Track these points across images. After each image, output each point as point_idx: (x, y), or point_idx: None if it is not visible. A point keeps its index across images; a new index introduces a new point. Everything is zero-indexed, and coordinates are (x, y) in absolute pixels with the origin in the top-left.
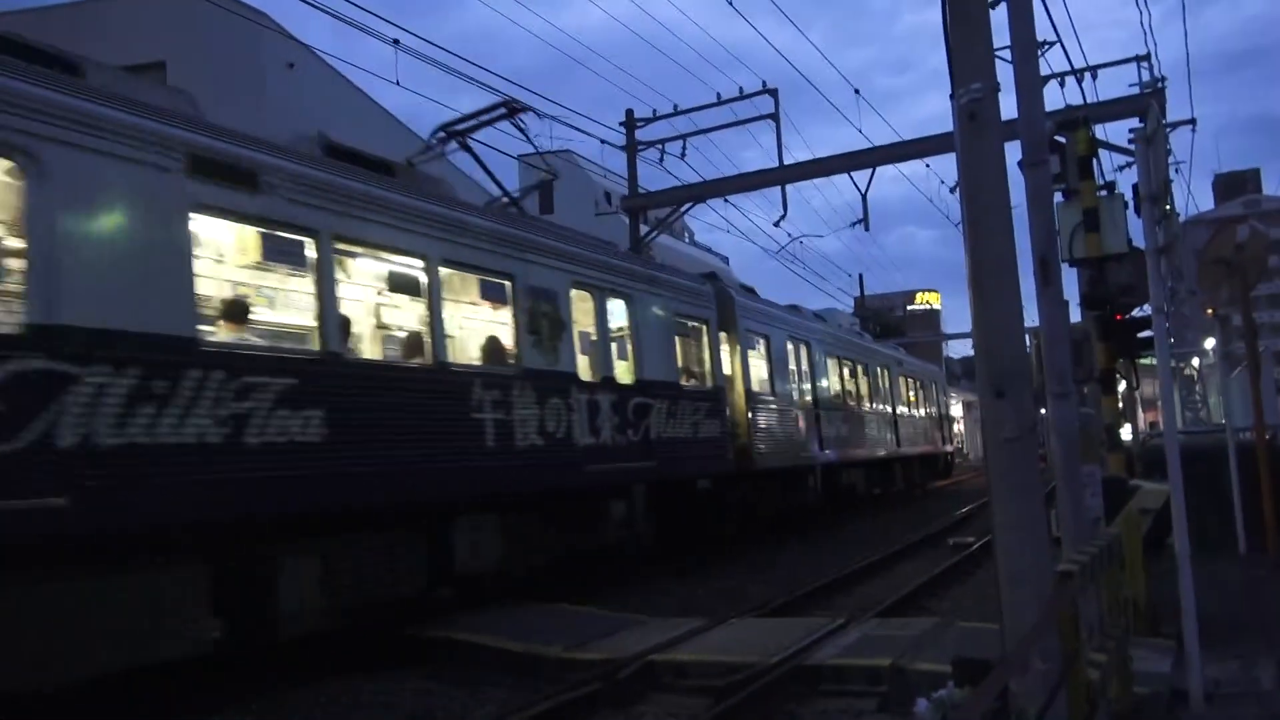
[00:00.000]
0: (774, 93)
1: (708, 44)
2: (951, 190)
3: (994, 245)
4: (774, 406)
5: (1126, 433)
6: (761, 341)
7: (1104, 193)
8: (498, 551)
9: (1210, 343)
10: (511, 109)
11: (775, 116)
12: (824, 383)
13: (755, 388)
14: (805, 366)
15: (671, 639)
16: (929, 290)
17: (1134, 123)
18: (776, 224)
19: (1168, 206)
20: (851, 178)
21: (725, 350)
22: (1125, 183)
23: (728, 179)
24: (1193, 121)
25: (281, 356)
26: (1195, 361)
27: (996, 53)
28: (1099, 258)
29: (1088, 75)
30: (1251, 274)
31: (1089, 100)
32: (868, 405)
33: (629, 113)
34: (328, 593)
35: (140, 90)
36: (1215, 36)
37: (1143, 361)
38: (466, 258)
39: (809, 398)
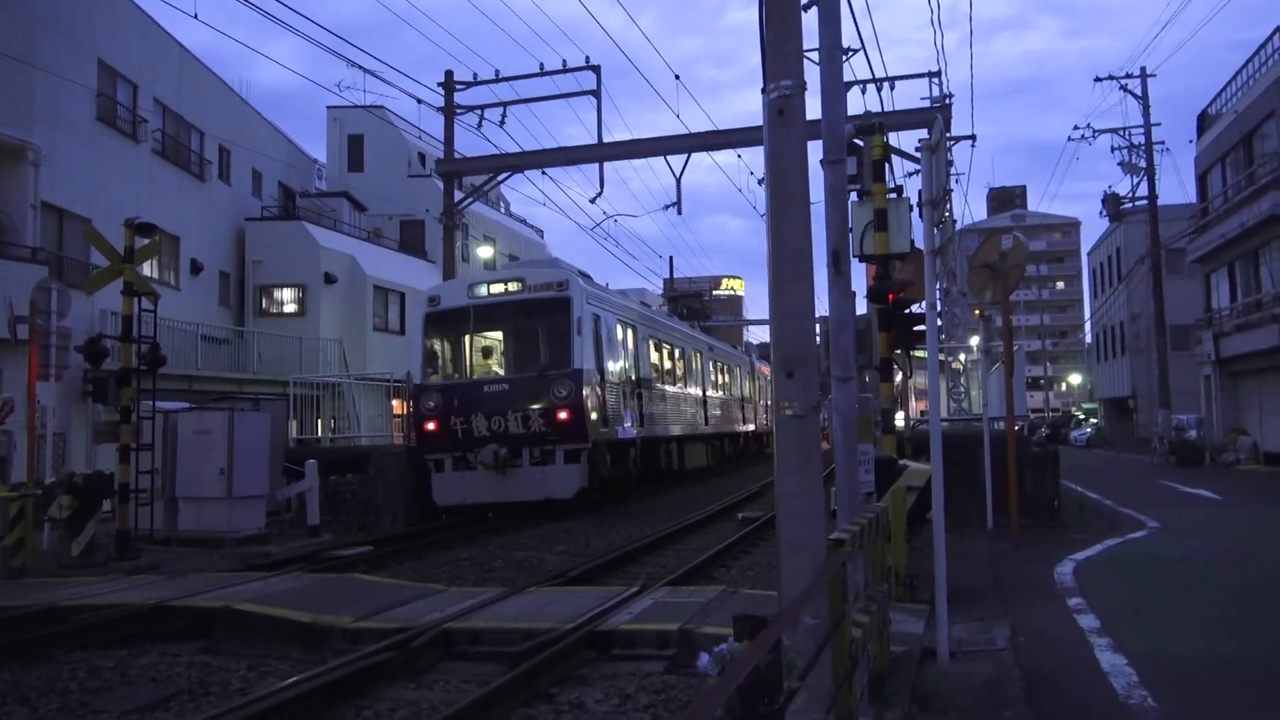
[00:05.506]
0: (597, 69)
1: (536, 16)
2: (760, 182)
3: (793, 235)
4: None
5: (901, 418)
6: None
7: (893, 196)
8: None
9: (975, 340)
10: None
11: (597, 93)
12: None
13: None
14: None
15: (467, 607)
16: (734, 277)
17: (924, 133)
18: (593, 201)
19: (946, 213)
20: (668, 161)
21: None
22: (912, 189)
23: (547, 151)
24: (973, 137)
25: (652, 380)
26: (962, 357)
27: (806, 54)
28: (885, 255)
29: (886, 85)
30: (1012, 279)
31: (887, 109)
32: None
33: (449, 74)
34: (697, 459)
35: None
36: (1001, 64)
37: (917, 354)
38: (684, 342)
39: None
